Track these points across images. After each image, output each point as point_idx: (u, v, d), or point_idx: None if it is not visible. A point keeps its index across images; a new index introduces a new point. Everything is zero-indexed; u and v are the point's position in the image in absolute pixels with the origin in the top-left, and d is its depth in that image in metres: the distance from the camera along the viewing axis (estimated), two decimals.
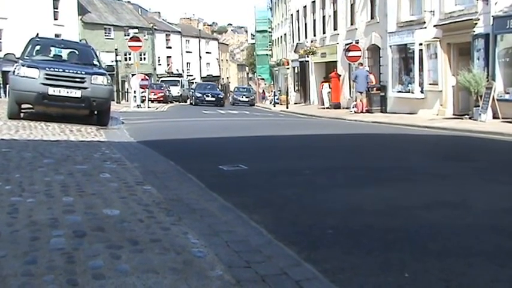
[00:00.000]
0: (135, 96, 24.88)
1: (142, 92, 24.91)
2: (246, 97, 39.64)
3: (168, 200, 3.95)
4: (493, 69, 14.77)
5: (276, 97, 38.06)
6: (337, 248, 3.23)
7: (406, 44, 19.26)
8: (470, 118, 14.76)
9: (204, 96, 33.85)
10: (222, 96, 34.82)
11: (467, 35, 15.65)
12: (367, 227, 3.71)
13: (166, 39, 67.33)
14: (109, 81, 10.55)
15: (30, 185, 4.19)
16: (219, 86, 41.50)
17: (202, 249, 2.84)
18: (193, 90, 36.65)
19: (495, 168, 6.71)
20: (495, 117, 14.06)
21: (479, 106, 14.35)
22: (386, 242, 3.35)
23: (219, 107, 31.54)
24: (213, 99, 33.54)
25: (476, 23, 15.33)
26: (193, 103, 33.92)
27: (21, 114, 10.23)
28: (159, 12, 76.30)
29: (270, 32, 52.90)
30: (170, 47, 67.51)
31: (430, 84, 17.94)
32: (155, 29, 62.77)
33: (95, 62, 11.37)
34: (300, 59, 33.71)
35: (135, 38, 25.79)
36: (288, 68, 40.55)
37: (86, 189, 4.14)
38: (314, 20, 31.61)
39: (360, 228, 3.68)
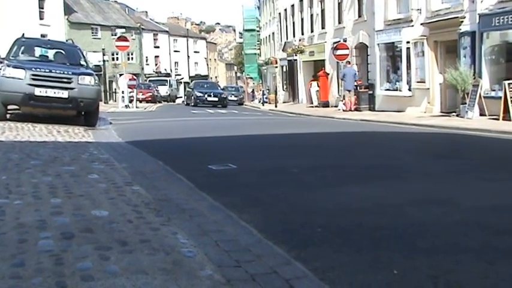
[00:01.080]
0: (123, 97, 24.78)
1: (130, 92, 24.81)
2: (235, 96, 40.34)
3: (157, 200, 3.94)
4: (480, 67, 14.90)
5: (265, 96, 38.08)
6: (326, 246, 3.24)
7: (393, 42, 19.36)
8: (457, 115, 14.88)
9: (206, 96, 30.63)
10: (225, 96, 31.92)
11: (454, 32, 15.77)
12: (356, 225, 3.72)
13: (154, 39, 67.06)
14: (96, 81, 10.47)
15: (18, 187, 4.15)
16: (219, 86, 37.07)
17: (191, 249, 2.83)
18: (190, 90, 33.55)
19: (483, 165, 6.77)
20: (482, 114, 14.19)
21: (466, 103, 14.47)
22: (376, 239, 3.37)
23: (222, 107, 29.30)
24: (215, 99, 30.62)
25: (462, 21, 15.46)
26: (193, 103, 30.64)
27: (7, 116, 10.12)
28: (146, 12, 75.96)
29: (258, 31, 52.89)
30: (158, 47, 67.26)
31: (417, 82, 18.06)
32: (142, 29, 62.48)
33: (82, 62, 11.28)
34: (288, 58, 33.76)
35: (122, 38, 25.66)
36: (276, 67, 40.57)
37: (74, 191, 4.11)
38: (302, 19, 31.67)
39: (349, 226, 3.70)
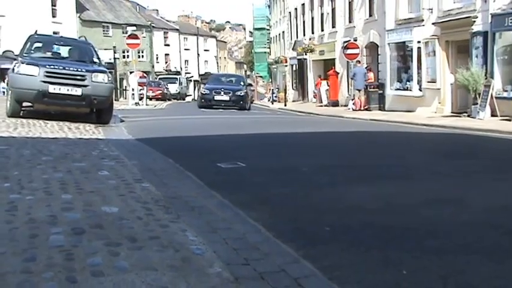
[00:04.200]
0: (133, 94, 24.89)
1: (140, 90, 24.92)
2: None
3: (166, 198, 3.95)
4: (492, 67, 14.79)
5: (274, 95, 38.06)
6: (335, 245, 3.23)
7: (404, 42, 19.27)
8: (468, 116, 14.78)
9: (213, 93, 22.29)
10: (243, 95, 22.43)
11: (466, 32, 15.66)
12: (366, 224, 3.72)
13: (165, 37, 67.27)
14: (110, 78, 10.47)
15: (29, 183, 4.19)
16: (245, 81, 26.43)
17: (200, 246, 2.84)
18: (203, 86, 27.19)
19: (494, 166, 6.72)
20: (493, 115, 14.08)
21: (477, 104, 14.37)
22: (385, 239, 3.36)
23: (240, 110, 21.70)
24: (226, 98, 21.99)
25: (474, 21, 15.35)
26: (199, 104, 23.45)
27: (21, 112, 10.20)
28: (157, 10, 76.16)
29: (268, 29, 52.87)
30: (168, 45, 67.46)
31: (428, 82, 17.96)
32: (153, 27, 62.70)
33: (95, 60, 11.29)
34: (298, 57, 33.73)
35: (133, 36, 25.77)
36: (286, 66, 40.56)
37: (85, 187, 4.14)
38: (312, 18, 31.61)
39: (358, 225, 3.69)
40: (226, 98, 21.97)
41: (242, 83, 24.32)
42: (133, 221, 3.24)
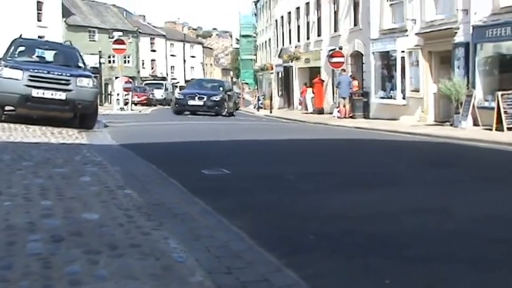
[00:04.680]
0: (118, 99, 24.75)
1: (125, 95, 24.78)
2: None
3: (149, 204, 3.91)
4: (473, 78, 14.99)
5: (260, 102, 38.09)
6: (318, 253, 3.22)
7: (388, 51, 19.45)
8: (451, 125, 14.94)
9: (187, 98, 21.79)
10: (218, 100, 21.83)
11: (448, 43, 15.86)
12: (349, 232, 3.71)
13: (151, 43, 67.11)
14: (95, 83, 10.37)
15: (8, 188, 4.11)
16: (224, 86, 24.99)
17: (182, 254, 2.80)
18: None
19: (476, 175, 6.78)
20: (475, 124, 14.25)
21: (459, 113, 14.53)
22: (368, 247, 3.36)
23: (215, 116, 21.18)
24: (201, 103, 21.46)
25: (456, 32, 15.56)
26: (173, 110, 23.09)
27: (2, 117, 10.04)
28: (144, 16, 75.98)
29: (254, 37, 53.04)
30: (154, 50, 67.29)
31: (411, 91, 18.14)
32: (140, 32, 62.51)
33: (80, 64, 11.18)
34: (284, 64, 33.84)
35: (119, 41, 25.67)
36: (272, 73, 40.63)
37: (66, 193, 4.08)
38: (298, 26, 31.78)
39: (342, 233, 3.69)
40: (200, 103, 21.46)
41: (221, 88, 23.56)
42: (114, 228, 3.19)
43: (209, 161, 7.22)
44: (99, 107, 11.59)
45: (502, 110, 12.95)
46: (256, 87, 51.42)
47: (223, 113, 21.69)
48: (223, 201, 4.46)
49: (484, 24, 14.48)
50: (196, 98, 21.58)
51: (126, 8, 72.38)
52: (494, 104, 13.36)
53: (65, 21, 48.65)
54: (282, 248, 3.24)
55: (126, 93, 24.80)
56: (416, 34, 17.45)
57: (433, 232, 3.76)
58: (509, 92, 13.29)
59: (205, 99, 21.51)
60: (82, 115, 10.41)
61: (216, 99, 21.76)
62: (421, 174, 6.68)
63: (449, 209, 4.56)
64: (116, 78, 29.04)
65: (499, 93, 13.18)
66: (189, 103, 21.50)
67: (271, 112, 29.89)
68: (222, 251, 2.94)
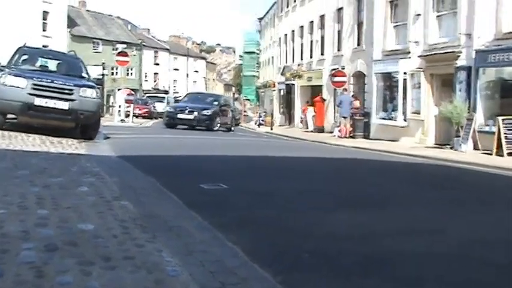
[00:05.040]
0: (119, 111, 24.82)
1: (127, 107, 24.86)
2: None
3: (144, 217, 3.89)
4: (474, 102, 15.04)
5: (261, 118, 38.21)
6: (313, 271, 3.20)
7: (390, 73, 19.55)
8: (451, 148, 14.94)
9: (177, 111, 21.57)
10: (209, 114, 21.42)
11: (450, 66, 15.95)
12: (344, 251, 3.69)
13: (155, 56, 67.57)
14: (98, 94, 10.35)
15: (4, 196, 4.09)
16: (220, 101, 24.22)
17: (176, 268, 2.78)
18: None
19: (472, 199, 6.77)
20: (475, 148, 14.26)
21: (460, 137, 14.55)
22: (363, 267, 3.34)
23: (206, 130, 20.80)
24: (191, 117, 21.05)
25: (459, 56, 15.65)
26: (164, 123, 22.51)
27: (4, 125, 10.03)
28: (148, 29, 76.60)
29: (257, 53, 53.44)
30: (158, 64, 67.72)
31: (412, 113, 18.18)
32: (144, 45, 62.96)
33: (84, 74, 11.19)
34: (287, 82, 34.03)
35: (123, 53, 25.86)
36: (274, 90, 40.84)
37: (62, 203, 4.06)
38: (302, 44, 32.01)
39: (339, 252, 3.67)
40: (190, 116, 21.08)
41: (216, 103, 22.97)
42: (108, 239, 3.17)
43: (208, 175, 7.21)
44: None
45: (502, 135, 12.97)
46: (257, 104, 51.62)
47: (215, 128, 21.29)
48: (220, 216, 4.44)
49: (486, 48, 14.57)
50: (187, 111, 21.25)
51: (131, 21, 73.04)
52: (494, 129, 13.39)
53: (69, 32, 49.06)
54: (278, 265, 3.23)
55: (127, 105, 24.88)
56: (419, 56, 17.55)
57: (427, 253, 3.74)
58: (510, 117, 13.33)
59: (195, 113, 21.11)
60: (83, 125, 10.38)
61: (207, 114, 21.33)
62: (418, 196, 6.67)
63: (445, 230, 4.54)
64: (118, 90, 29.17)
65: (500, 118, 13.21)
66: (178, 116, 21.24)
67: (271, 129, 29.95)
68: (216, 266, 2.92)
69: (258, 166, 9.44)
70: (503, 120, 13.14)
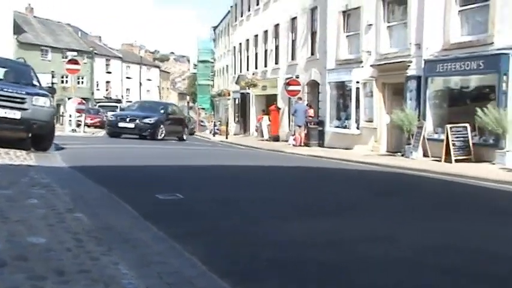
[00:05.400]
0: (70, 120, 24.20)
1: (78, 116, 24.27)
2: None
3: (99, 229, 3.78)
4: (424, 110, 15.52)
5: (216, 127, 38.13)
6: (272, 280, 3.19)
7: (343, 82, 19.92)
8: (402, 155, 15.34)
9: (118, 119, 21.26)
10: (152, 123, 20.79)
11: (401, 76, 16.41)
12: (302, 259, 3.70)
13: (106, 64, 66.43)
14: (52, 103, 9.97)
15: None
16: (167, 109, 23.70)
17: (133, 280, 2.71)
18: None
19: (424, 205, 6.95)
20: (425, 155, 14.69)
21: (410, 144, 14.96)
22: (320, 275, 3.36)
23: (150, 139, 20.16)
24: (131, 125, 20.51)
25: (409, 65, 16.13)
26: (106, 131, 22.44)
27: None
28: (99, 37, 75.19)
29: (212, 62, 53.38)
30: (110, 72, 66.59)
31: (365, 121, 18.57)
32: (95, 53, 61.78)
33: (35, 83, 10.73)
34: (241, 91, 34.12)
35: (73, 61, 25.23)
36: (228, 99, 40.88)
37: (10, 216, 3.89)
38: (256, 53, 32.22)
39: (295, 261, 3.67)
40: (131, 125, 20.57)
41: (162, 111, 22.51)
42: (61, 252, 3.06)
43: (163, 185, 7.11)
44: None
45: (450, 142, 13.42)
46: (212, 113, 51.49)
47: (159, 137, 20.83)
48: (176, 227, 4.38)
49: (435, 58, 15.09)
50: (127, 120, 20.82)
51: (82, 28, 71.51)
52: (443, 136, 13.84)
53: (16, 39, 47.53)
54: (236, 274, 3.20)
55: (78, 114, 24.30)
56: (371, 66, 17.98)
57: (382, 260, 3.80)
58: (458, 125, 13.83)
59: (137, 121, 20.61)
60: (36, 136, 9.93)
61: (149, 122, 20.76)
62: (372, 203, 6.79)
63: (399, 237, 4.63)
64: (69, 99, 28.46)
65: (448, 126, 13.68)
66: (119, 125, 20.79)
67: (227, 138, 29.92)
68: (174, 278, 2.87)
69: (214, 175, 9.38)
70: (451, 128, 13.61)
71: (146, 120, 20.73)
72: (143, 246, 3.48)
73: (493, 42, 13.20)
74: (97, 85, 62.63)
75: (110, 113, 27.87)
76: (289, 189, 7.85)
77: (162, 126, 21.25)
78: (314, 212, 5.76)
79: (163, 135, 21.19)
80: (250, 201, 6.23)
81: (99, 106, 46.21)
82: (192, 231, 4.34)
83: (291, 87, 22.65)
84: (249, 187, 7.75)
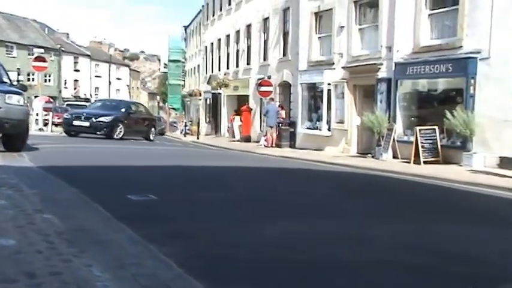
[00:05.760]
0: (37, 119, 23.67)
1: (45, 115, 23.77)
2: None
3: (70, 230, 3.68)
4: (394, 112, 15.74)
5: (187, 127, 37.89)
6: (248, 282, 3.17)
7: (315, 83, 20.04)
8: (372, 157, 15.53)
9: (74, 117, 20.78)
10: (108, 121, 20.31)
11: (372, 78, 16.61)
12: (278, 260, 3.69)
13: (75, 62, 65.30)
14: (26, 101, 9.64)
15: None
16: (130, 108, 23.20)
17: (107, 283, 2.64)
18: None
19: (394, 205, 7.04)
20: (395, 157, 14.91)
21: (381, 146, 15.16)
22: (297, 276, 3.35)
23: (106, 138, 19.77)
24: (87, 124, 20.14)
25: (380, 68, 16.34)
26: (63, 130, 21.76)
27: None
28: (67, 34, 73.80)
29: (183, 62, 53.00)
30: (78, 70, 65.46)
31: (336, 122, 18.73)
32: (63, 50, 60.61)
33: (5, 80, 10.35)
34: (213, 91, 34.00)
35: (40, 58, 24.70)
36: (200, 99, 40.68)
37: None
38: (228, 53, 32.15)
39: (271, 262, 3.65)
40: (86, 123, 20.16)
41: (123, 109, 22.02)
42: (32, 255, 2.97)
43: (135, 186, 7.00)
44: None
45: (419, 145, 13.65)
46: (183, 113, 51.14)
47: (117, 136, 20.37)
48: (150, 228, 4.30)
49: (405, 61, 15.33)
50: (82, 118, 20.44)
51: (48, 24, 70.00)
52: (413, 139, 14.07)
53: None
54: (212, 276, 3.16)
55: (46, 113, 23.81)
56: (342, 68, 18.14)
57: (354, 261, 3.81)
58: (427, 127, 14.08)
59: (92, 119, 20.18)
60: (9, 136, 9.58)
61: (105, 121, 20.26)
62: (343, 204, 6.84)
63: (370, 238, 4.66)
64: (36, 97, 27.85)
65: (418, 128, 13.92)
66: (74, 123, 20.43)
67: (198, 138, 29.77)
68: (150, 280, 2.80)
69: (187, 176, 9.30)
70: (420, 130, 13.85)
71: (102, 119, 20.25)
72: (117, 248, 3.40)
73: (461, 46, 13.49)
74: (65, 83, 61.48)
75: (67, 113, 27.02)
76: (261, 190, 7.84)
77: (120, 125, 20.81)
78: (286, 213, 5.77)
79: (121, 134, 20.73)
80: (224, 202, 6.20)
81: (67, 105, 45.32)
82: (167, 233, 4.27)
83: (263, 88, 22.68)
84: (223, 188, 7.71)
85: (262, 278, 3.24)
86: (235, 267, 3.45)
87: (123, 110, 22.09)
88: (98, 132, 20.05)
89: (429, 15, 14.82)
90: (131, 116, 22.12)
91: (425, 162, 13.45)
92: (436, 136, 13.89)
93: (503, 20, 12.44)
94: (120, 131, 20.72)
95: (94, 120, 20.16)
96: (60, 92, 57.99)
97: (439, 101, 14.95)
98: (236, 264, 3.53)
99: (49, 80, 55.03)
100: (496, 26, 12.58)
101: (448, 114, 12.94)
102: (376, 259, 3.89)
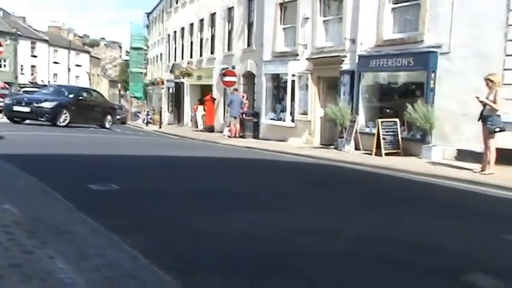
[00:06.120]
0: None
1: (0, 102, 22.96)
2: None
3: (30, 220, 3.56)
4: (357, 104, 15.93)
5: (149, 117, 37.35)
6: (215, 273, 3.13)
7: (279, 74, 20.05)
8: (335, 148, 15.68)
9: (14, 102, 20.12)
10: (51, 107, 19.50)
11: (336, 70, 16.73)
12: (245, 252, 3.66)
13: (32, 47, 63.34)
14: None
15: None
16: (80, 94, 22.45)
17: (70, 275, 2.56)
18: None
19: (359, 197, 7.13)
20: (357, 148, 15.11)
21: (343, 137, 15.33)
22: (265, 268, 3.33)
23: (51, 126, 19.02)
24: (27, 109, 19.37)
25: (343, 60, 16.48)
26: (6, 116, 20.65)
27: None
28: (24, 17, 71.37)
29: (145, 50, 52.14)
30: (35, 56, 63.53)
31: (300, 114, 18.81)
32: (19, 35, 58.59)
33: None
34: (176, 80, 33.57)
35: None
36: (162, 88, 40.11)
37: None
38: (191, 42, 31.78)
39: (239, 253, 3.63)
40: (26, 109, 19.37)
41: (71, 95, 21.22)
42: None
43: (96, 175, 6.84)
44: None
45: (381, 137, 13.87)
46: (145, 102, 50.39)
47: (61, 123, 19.67)
48: (113, 218, 4.20)
49: (368, 54, 15.50)
50: (23, 103, 19.76)
51: (3, 7, 67.52)
52: (374, 131, 14.28)
53: None
54: (178, 267, 3.11)
55: (1, 99, 22.98)
56: (306, 59, 18.20)
57: (324, 253, 3.83)
58: (388, 120, 14.31)
59: (33, 105, 19.40)
60: None
61: (48, 107, 19.48)
62: (310, 196, 6.87)
63: (340, 229, 4.70)
64: None
65: (379, 120, 14.13)
66: (14, 109, 19.72)
67: (160, 127, 29.40)
68: (114, 271, 2.74)
69: (149, 165, 9.16)
70: (381, 122, 14.06)
71: (44, 104, 19.51)
72: (79, 239, 3.31)
73: (423, 40, 13.73)
74: (21, 69, 59.56)
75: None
76: (227, 181, 7.80)
77: (65, 111, 20.06)
78: (253, 204, 5.75)
79: (67, 121, 20.02)
80: (188, 192, 6.13)
81: (24, 91, 43.93)
82: (131, 223, 4.19)
83: (226, 78, 22.54)
84: (187, 178, 7.63)
85: (229, 270, 3.21)
86: (202, 259, 3.40)
87: (71, 95, 21.33)
88: (40, 118, 19.36)
89: (392, 9, 15.02)
90: (81, 102, 21.39)
91: (386, 154, 13.68)
92: (397, 128, 14.14)
93: (463, 16, 12.74)
94: (66, 118, 20.04)
95: (36, 106, 19.37)
96: (16, 77, 56.16)
97: (400, 94, 15.21)
98: (203, 255, 3.49)
99: (4, 66, 53.26)
100: (457, 21, 12.86)
101: (409, 108, 13.18)
102: (347, 250, 3.92)
